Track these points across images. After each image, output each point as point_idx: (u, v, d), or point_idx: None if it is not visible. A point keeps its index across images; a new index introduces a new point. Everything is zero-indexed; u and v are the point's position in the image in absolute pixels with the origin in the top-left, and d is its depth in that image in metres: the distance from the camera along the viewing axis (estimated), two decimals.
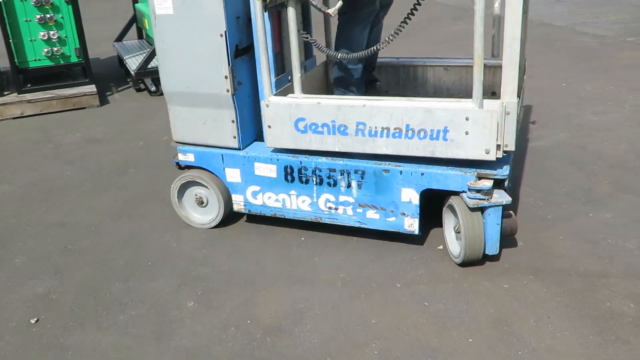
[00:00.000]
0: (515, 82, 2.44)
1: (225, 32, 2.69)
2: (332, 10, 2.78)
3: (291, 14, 2.68)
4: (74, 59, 5.38)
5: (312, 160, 2.83)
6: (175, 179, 3.09)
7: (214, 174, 3.02)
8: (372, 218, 2.81)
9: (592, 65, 5.73)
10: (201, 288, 2.64)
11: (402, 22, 2.74)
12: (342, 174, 2.79)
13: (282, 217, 2.99)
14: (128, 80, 6.04)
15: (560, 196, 3.28)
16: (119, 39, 6.62)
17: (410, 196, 2.68)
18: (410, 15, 2.75)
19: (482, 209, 2.56)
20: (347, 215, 2.86)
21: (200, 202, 3.08)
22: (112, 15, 8.87)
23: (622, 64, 5.74)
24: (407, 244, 2.88)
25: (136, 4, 6.44)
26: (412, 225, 2.73)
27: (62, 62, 5.36)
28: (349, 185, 2.80)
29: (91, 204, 3.49)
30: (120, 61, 6.35)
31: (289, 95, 2.85)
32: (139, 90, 5.70)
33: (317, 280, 2.66)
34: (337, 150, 2.76)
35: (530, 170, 3.61)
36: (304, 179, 2.87)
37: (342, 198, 2.83)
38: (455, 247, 2.74)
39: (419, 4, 2.66)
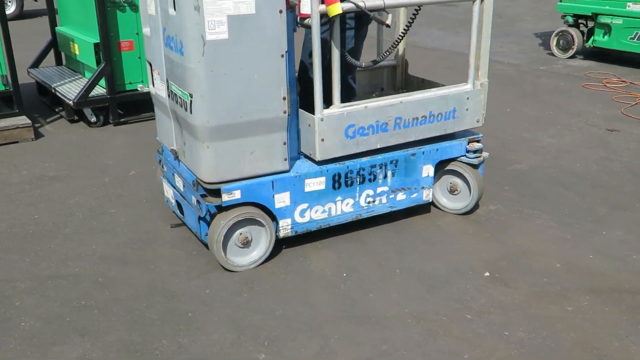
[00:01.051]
0: (487, 67, 3.34)
1: (286, 52, 2.57)
2: (389, 22, 2.95)
3: (336, 28, 2.73)
4: (0, 88, 4.78)
5: (357, 162, 3.02)
6: (219, 222, 2.73)
7: (261, 205, 2.79)
8: (401, 199, 3.23)
9: (522, 91, 6.15)
10: (264, 338, 2.41)
11: (400, 35, 3.25)
12: (380, 168, 3.09)
13: (327, 226, 3.05)
14: (57, 110, 5.48)
15: (566, 216, 3.43)
16: (36, 64, 6.00)
17: (429, 171, 3.26)
18: (406, 29, 3.24)
19: (477, 165, 3.33)
20: (381, 204, 3.18)
21: (245, 242, 2.81)
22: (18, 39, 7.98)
23: (546, 89, 6.21)
24: (453, 275, 2.85)
25: (57, 28, 5.88)
26: (428, 195, 3.31)
27: None
28: (385, 176, 3.12)
29: (82, 251, 3.08)
30: (42, 89, 5.75)
31: (336, 105, 2.87)
32: (72, 121, 5.18)
33: (384, 319, 2.53)
34: (378, 147, 3.05)
35: (525, 193, 3.75)
36: (349, 182, 3.03)
37: (379, 189, 3.13)
38: (455, 204, 3.41)
39: (414, 17, 3.14)
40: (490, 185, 3.83)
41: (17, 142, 4.69)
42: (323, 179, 2.93)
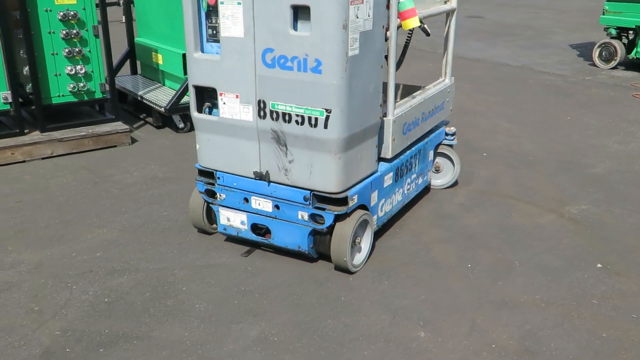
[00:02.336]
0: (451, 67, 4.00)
1: (383, 63, 2.95)
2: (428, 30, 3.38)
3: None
4: (98, 95, 5.08)
5: (405, 155, 3.46)
6: (347, 228, 2.90)
7: (364, 205, 3.06)
8: (419, 184, 3.76)
9: (576, 101, 6.44)
10: (417, 319, 2.69)
11: (401, 55, 3.45)
12: (414, 157, 3.58)
13: (390, 217, 3.41)
14: (141, 116, 5.78)
15: None
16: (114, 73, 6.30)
17: (431, 155, 3.86)
18: (405, 49, 3.48)
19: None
20: (412, 190, 3.65)
21: (357, 243, 3.06)
22: None
23: (599, 99, 6.50)
24: (569, 266, 3.13)
25: (136, 39, 6.20)
26: (429, 177, 3.94)
27: (85, 98, 5.03)
28: (415, 165, 3.61)
29: (219, 244, 3.36)
30: (121, 96, 6.05)
31: (398, 107, 3.28)
32: (159, 127, 5.48)
33: (519, 303, 2.81)
34: (415, 139, 3.55)
35: (611, 194, 4.03)
36: (402, 174, 3.45)
37: (412, 176, 3.62)
38: (440, 181, 4.06)
39: (410, 36, 3.43)
40: (574, 187, 4.12)
41: (115, 146, 4.99)
42: (391, 174, 3.30)
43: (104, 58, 5.03)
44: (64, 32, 4.73)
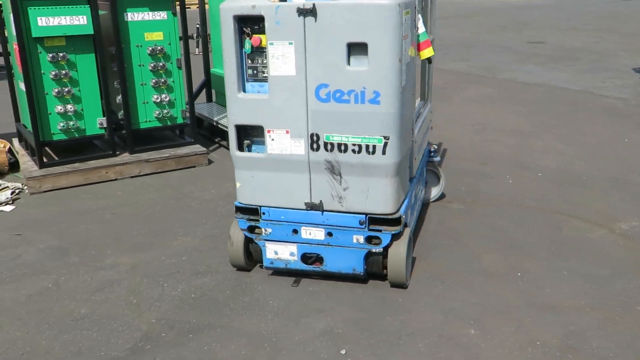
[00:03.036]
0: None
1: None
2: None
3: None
4: (179, 121, 5.62)
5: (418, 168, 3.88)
6: (403, 245, 3.13)
7: (406, 223, 3.30)
8: (421, 198, 4.11)
9: (634, 123, 6.52)
10: (468, 318, 2.96)
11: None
12: (420, 175, 4.00)
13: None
14: (216, 140, 6.31)
15: None
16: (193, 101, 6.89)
17: (422, 168, 4.12)
18: None
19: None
20: (419, 204, 4.02)
21: None
22: None
23: None
24: (615, 276, 3.32)
25: (212, 70, 6.77)
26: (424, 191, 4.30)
27: (169, 123, 5.59)
28: (421, 181, 4.03)
29: None
30: (200, 122, 6.60)
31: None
32: None
33: (565, 307, 3.04)
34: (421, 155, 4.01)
35: None
36: (416, 191, 3.78)
37: (419, 192, 4.02)
38: (427, 195, 4.39)
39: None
40: (626, 205, 4.29)
41: (194, 166, 5.50)
42: (413, 191, 3.58)
43: (185, 87, 5.58)
44: (152, 64, 5.31)
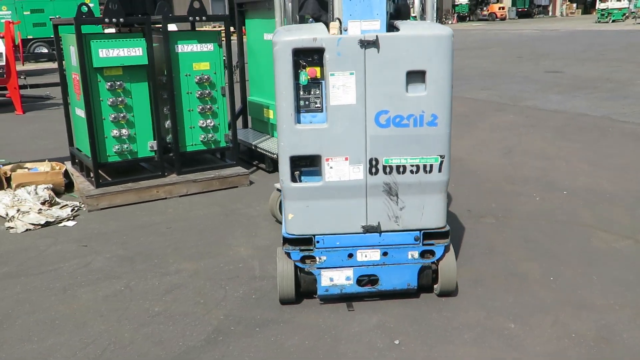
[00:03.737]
0: None
1: None
2: None
3: None
4: (222, 144, 6.01)
5: None
6: (452, 257, 3.39)
7: None
8: None
9: None
10: (507, 314, 3.24)
11: None
12: None
13: None
14: (254, 163, 6.68)
15: None
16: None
17: None
18: None
19: None
20: None
21: None
22: None
23: None
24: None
25: (249, 98, 7.19)
26: None
27: (213, 146, 5.97)
28: None
29: None
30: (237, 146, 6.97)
31: None
32: (270, 172, 6.33)
33: (596, 306, 3.31)
34: None
35: None
36: None
37: None
38: None
39: None
40: None
41: (236, 186, 5.86)
42: None
43: (228, 113, 5.98)
44: (199, 92, 5.73)
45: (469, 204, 5.01)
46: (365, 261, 3.29)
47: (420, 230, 3.26)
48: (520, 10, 49.13)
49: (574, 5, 52.24)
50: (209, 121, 5.86)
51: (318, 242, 3.24)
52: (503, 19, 46.17)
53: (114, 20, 5.22)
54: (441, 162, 3.16)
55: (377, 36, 2.92)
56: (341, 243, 3.25)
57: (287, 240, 3.25)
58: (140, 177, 5.62)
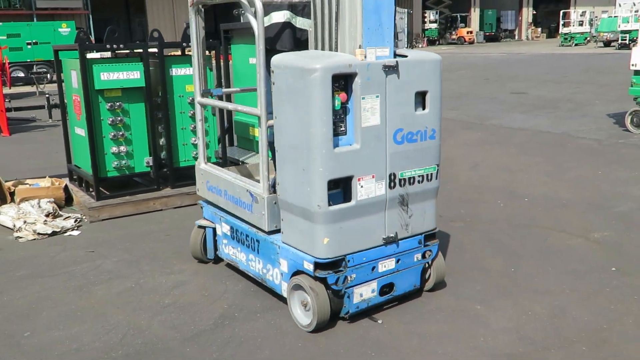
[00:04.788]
0: None
1: None
2: None
3: None
4: (213, 160, 6.45)
5: None
6: (440, 253, 4.13)
7: None
8: None
9: (608, 160, 7.45)
10: (474, 299, 3.75)
11: None
12: None
13: None
14: None
15: None
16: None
17: None
18: None
19: None
20: None
21: None
22: None
23: (629, 158, 7.51)
24: (591, 271, 4.14)
25: (235, 117, 7.67)
26: None
27: None
28: None
29: None
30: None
31: None
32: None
33: (550, 291, 3.84)
34: None
35: (632, 225, 5.02)
36: None
37: None
38: None
39: None
40: (600, 221, 5.14)
41: None
42: None
43: (218, 132, 6.45)
44: (191, 112, 6.19)
45: (440, 211, 5.49)
46: (385, 271, 3.48)
47: (422, 233, 3.60)
48: (487, 34, 50.70)
49: (539, 29, 54.11)
50: None
51: (349, 261, 3.31)
52: (471, 42, 47.63)
53: (114, 46, 5.69)
54: (437, 170, 3.56)
55: (397, 61, 3.20)
56: (367, 258, 3.39)
57: (319, 266, 3.26)
58: (137, 191, 6.05)
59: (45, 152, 9.15)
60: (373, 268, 3.42)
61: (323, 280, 3.27)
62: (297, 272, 3.41)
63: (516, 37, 53.06)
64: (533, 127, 9.88)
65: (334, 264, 3.27)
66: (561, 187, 6.27)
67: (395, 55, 3.27)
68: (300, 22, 3.57)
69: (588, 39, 38.94)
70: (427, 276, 3.78)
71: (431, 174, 3.54)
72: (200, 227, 4.39)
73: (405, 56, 3.27)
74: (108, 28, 5.75)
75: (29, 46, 24.07)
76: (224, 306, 3.75)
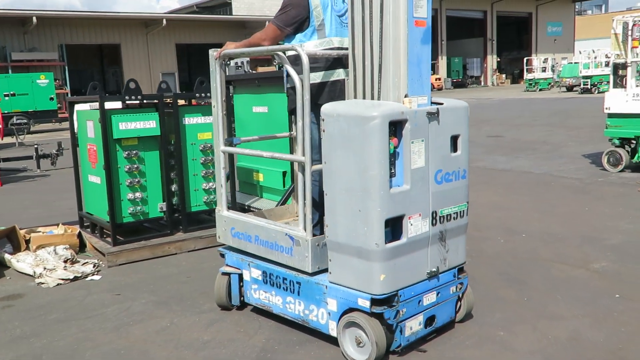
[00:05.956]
0: None
1: None
2: None
3: None
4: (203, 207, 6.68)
5: None
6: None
7: None
8: None
9: (591, 197, 7.92)
10: (496, 325, 4.02)
11: None
12: None
13: None
14: None
15: None
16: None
17: None
18: None
19: None
20: None
21: None
22: None
23: (611, 195, 7.99)
24: (596, 297, 4.47)
25: (237, 164, 7.94)
26: None
27: (214, 206, 6.62)
28: None
29: None
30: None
31: None
32: None
33: (564, 316, 4.14)
34: None
35: (625, 256, 5.40)
36: None
37: None
38: None
39: None
40: (596, 252, 5.51)
41: None
42: None
43: (224, 185, 6.70)
44: (203, 158, 6.46)
45: None
46: (428, 304, 3.67)
47: (456, 267, 3.85)
48: (455, 80, 52.38)
49: (503, 75, 56.15)
50: (211, 184, 6.56)
51: (400, 296, 3.48)
52: (440, 89, 49.07)
53: (133, 97, 5.97)
54: (467, 207, 3.81)
55: (437, 109, 3.49)
56: (414, 292, 3.58)
57: (375, 302, 3.41)
58: (151, 235, 6.22)
59: (43, 202, 9.24)
60: (419, 302, 3.60)
61: (379, 316, 3.41)
62: (349, 310, 3.55)
63: (482, 83, 54.89)
64: (516, 168, 10.37)
65: (387, 300, 3.43)
66: (554, 223, 6.65)
67: (432, 102, 3.61)
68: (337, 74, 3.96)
69: (551, 84, 40.58)
70: (457, 307, 4.04)
71: (463, 210, 3.79)
72: (224, 274, 4.44)
73: (441, 103, 3.61)
74: (127, 81, 6.03)
75: (7, 97, 24.07)
76: (262, 340, 3.95)
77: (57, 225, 6.58)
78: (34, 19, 31.47)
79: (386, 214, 3.32)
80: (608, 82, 11.92)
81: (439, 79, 50.13)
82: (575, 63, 37.54)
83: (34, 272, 5.52)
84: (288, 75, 4.07)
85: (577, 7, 63.57)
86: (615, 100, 9.32)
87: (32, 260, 5.76)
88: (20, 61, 30.57)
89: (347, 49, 3.69)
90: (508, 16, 55.40)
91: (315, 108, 3.75)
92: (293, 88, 3.85)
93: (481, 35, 54.64)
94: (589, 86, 32.47)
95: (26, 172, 12.33)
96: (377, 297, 3.40)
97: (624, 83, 9.37)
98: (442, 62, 52.37)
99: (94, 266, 5.71)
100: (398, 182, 3.40)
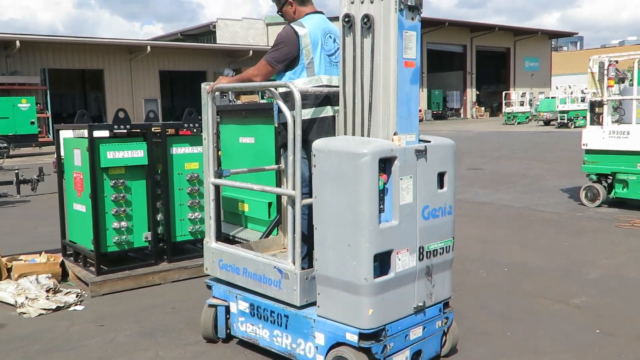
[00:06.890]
0: None
1: None
2: None
3: None
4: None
5: None
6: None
7: None
8: None
9: (571, 231, 8.07)
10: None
11: None
12: None
13: None
14: None
15: None
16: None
17: None
18: None
19: None
20: None
21: None
22: None
23: (589, 229, 8.16)
24: (578, 332, 4.56)
25: (222, 193, 7.97)
26: None
27: (199, 236, 6.65)
28: None
29: None
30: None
31: None
32: None
33: (547, 352, 4.21)
34: None
35: (604, 290, 5.51)
36: None
37: None
38: None
39: None
40: (576, 287, 5.62)
41: None
42: None
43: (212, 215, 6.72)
44: (189, 188, 6.49)
45: None
46: (415, 338, 3.70)
47: (442, 301, 3.89)
48: (435, 112, 53.09)
49: (482, 108, 57.09)
50: (196, 214, 6.58)
51: (387, 330, 3.50)
52: (420, 120, 49.41)
53: (121, 127, 6.00)
54: (453, 243, 3.86)
55: (425, 146, 3.58)
56: (401, 327, 3.60)
57: (363, 336, 3.42)
58: (135, 265, 6.20)
59: (24, 228, 9.14)
60: (406, 336, 3.63)
61: (366, 351, 3.43)
62: (337, 344, 3.55)
63: (462, 116, 55.69)
64: (496, 201, 10.54)
65: (375, 335, 3.44)
66: (535, 256, 6.77)
67: (419, 140, 3.70)
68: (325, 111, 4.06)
69: (529, 118, 41.37)
70: (443, 342, 4.07)
71: (449, 246, 3.85)
72: (211, 305, 4.43)
73: (429, 141, 3.71)
74: (117, 110, 6.08)
75: None
76: None
77: (40, 253, 6.52)
78: (17, 43, 31.36)
79: (375, 249, 3.35)
80: (584, 117, 12.23)
81: (420, 111, 50.63)
82: (552, 98, 38.35)
83: (16, 302, 5.45)
84: (280, 111, 4.15)
85: (553, 43, 65.27)
86: (593, 137, 9.57)
87: (13, 290, 5.69)
88: (2, 84, 30.31)
89: (335, 86, 3.79)
90: (487, 51, 56.57)
91: (304, 144, 3.83)
92: (284, 124, 3.93)
93: (461, 69, 55.62)
94: (565, 120, 33.20)
95: (6, 197, 12.18)
96: (365, 332, 3.41)
97: (601, 120, 9.63)
98: (423, 94, 53.07)
99: (77, 296, 5.66)
100: (387, 218, 3.45)
